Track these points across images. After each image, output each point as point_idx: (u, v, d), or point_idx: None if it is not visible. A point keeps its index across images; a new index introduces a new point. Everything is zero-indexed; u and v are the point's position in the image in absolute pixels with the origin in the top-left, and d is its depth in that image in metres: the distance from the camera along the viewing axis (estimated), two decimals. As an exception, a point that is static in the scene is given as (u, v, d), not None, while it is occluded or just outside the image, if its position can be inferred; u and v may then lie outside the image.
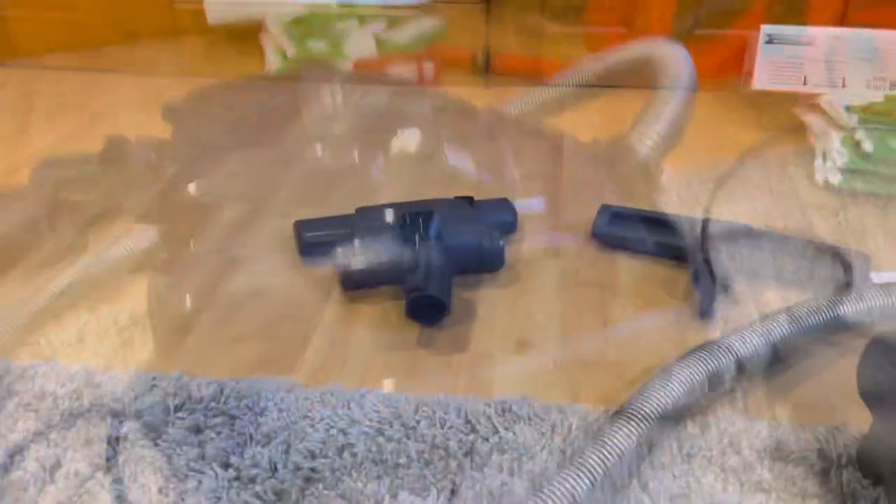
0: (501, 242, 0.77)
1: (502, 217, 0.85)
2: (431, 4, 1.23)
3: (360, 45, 1.06)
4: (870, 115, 0.93)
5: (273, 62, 1.07)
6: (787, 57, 1.07)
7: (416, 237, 0.75)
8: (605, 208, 0.85)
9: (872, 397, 0.47)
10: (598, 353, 0.68)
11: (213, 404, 0.58)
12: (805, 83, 1.07)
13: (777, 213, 0.90)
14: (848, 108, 0.96)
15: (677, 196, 0.94)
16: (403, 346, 0.69)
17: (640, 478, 0.52)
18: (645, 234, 0.82)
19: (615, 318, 0.73)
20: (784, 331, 0.62)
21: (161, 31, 1.28)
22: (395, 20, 1.12)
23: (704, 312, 0.72)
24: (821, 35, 1.05)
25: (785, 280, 0.77)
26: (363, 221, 0.78)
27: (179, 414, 0.57)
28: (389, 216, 0.78)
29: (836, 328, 0.66)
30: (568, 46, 1.25)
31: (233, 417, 0.57)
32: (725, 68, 1.24)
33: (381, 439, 0.54)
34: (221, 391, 0.59)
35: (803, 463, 0.53)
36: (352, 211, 0.84)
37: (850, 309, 0.64)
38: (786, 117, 1.14)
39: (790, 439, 0.55)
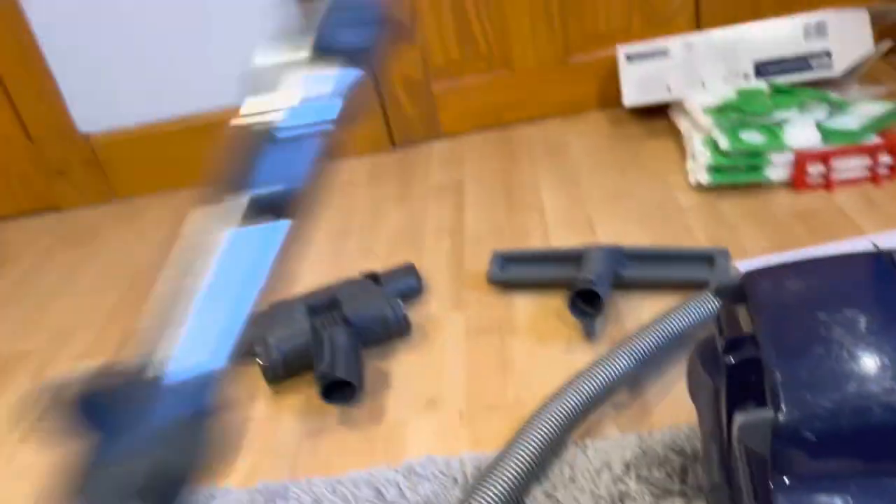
0: (403, 311, 0.85)
1: (407, 283, 0.92)
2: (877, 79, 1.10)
3: (802, 134, 0.93)
4: (722, 114, 1.01)
5: (702, 154, 0.96)
6: (648, 70, 1.16)
7: (323, 324, 0.83)
8: (497, 255, 0.93)
9: (693, 396, 0.54)
10: (498, 397, 0.75)
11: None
12: (669, 91, 1.15)
13: (658, 222, 0.97)
14: (704, 110, 1.05)
15: (565, 227, 1.02)
16: (326, 429, 0.76)
17: (526, 510, 0.59)
18: (535, 272, 0.89)
19: (514, 358, 0.80)
20: (649, 343, 0.69)
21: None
22: (839, 104, 0.98)
23: (590, 334, 0.79)
24: (674, 44, 1.14)
25: (662, 289, 0.84)
26: (275, 317, 0.85)
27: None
28: (300, 310, 0.85)
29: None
30: None
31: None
32: (607, 89, 1.33)
33: (300, 526, 0.61)
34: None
35: (666, 465, 0.60)
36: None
37: (702, 311, 0.72)
38: (667, 124, 1.23)
39: (657, 444, 0.62)
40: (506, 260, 0.92)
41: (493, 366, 0.79)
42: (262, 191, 0.46)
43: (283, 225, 0.46)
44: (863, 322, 0.38)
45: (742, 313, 0.46)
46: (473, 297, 0.91)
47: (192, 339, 0.42)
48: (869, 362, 0.36)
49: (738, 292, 0.46)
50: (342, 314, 0.84)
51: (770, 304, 0.42)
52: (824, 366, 0.37)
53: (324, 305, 0.86)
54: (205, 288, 0.43)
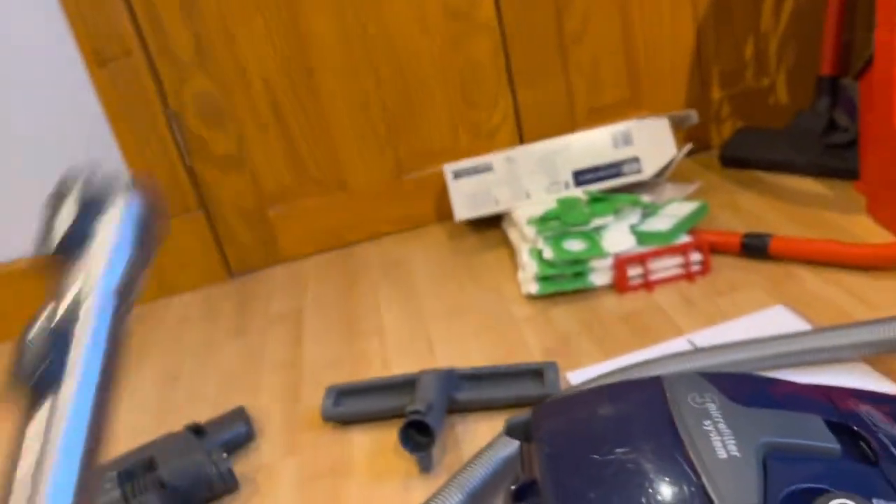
0: (229, 465, 0.78)
1: (235, 431, 0.86)
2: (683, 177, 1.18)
3: (618, 239, 0.99)
4: (544, 224, 1.04)
5: (529, 265, 1.00)
6: (475, 186, 1.19)
7: (135, 491, 0.74)
8: (331, 390, 0.88)
9: None
10: (331, 551, 0.69)
11: None
12: (497, 203, 1.18)
13: (495, 335, 0.97)
14: (528, 221, 1.08)
15: (405, 351, 0.99)
16: None
17: None
18: (370, 404, 0.85)
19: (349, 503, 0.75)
20: (478, 476, 0.67)
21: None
22: (650, 207, 1.06)
23: (424, 468, 0.75)
24: (496, 159, 1.18)
25: (497, 409, 0.82)
26: (82, 492, 0.76)
27: None
28: (110, 478, 0.77)
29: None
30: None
31: None
32: (443, 203, 1.35)
33: None
34: None
35: None
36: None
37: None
38: (502, 234, 1.25)
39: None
40: (340, 394, 0.88)
41: (327, 515, 0.74)
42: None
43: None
44: (633, 462, 0.37)
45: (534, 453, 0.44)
46: (308, 438, 0.86)
47: None
48: (642, 505, 0.35)
49: (528, 430, 0.45)
50: (158, 477, 0.76)
51: (551, 446, 0.40)
52: (600, 514, 0.35)
53: (138, 469, 0.78)
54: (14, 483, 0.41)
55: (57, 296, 0.47)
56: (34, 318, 0.46)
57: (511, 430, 0.45)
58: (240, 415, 0.88)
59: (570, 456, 0.39)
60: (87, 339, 0.45)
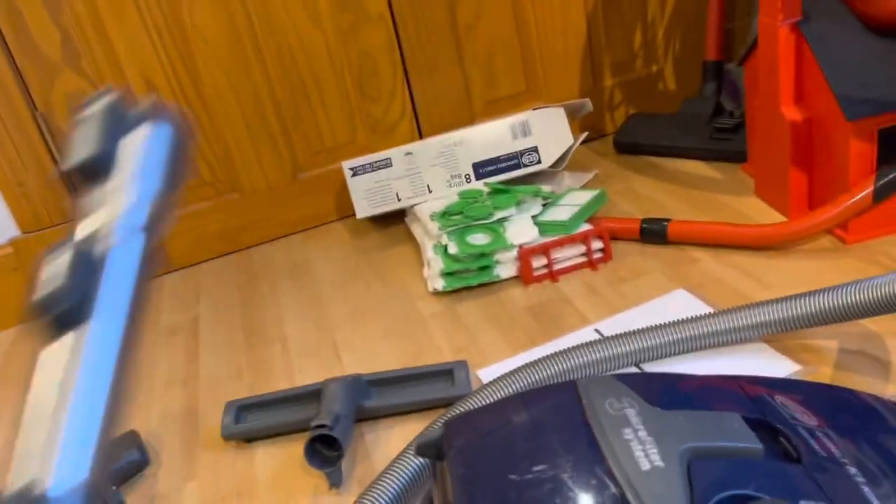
0: (120, 497, 0.72)
1: (127, 459, 0.80)
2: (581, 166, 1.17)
3: (521, 231, 0.98)
4: (446, 219, 1.02)
5: (434, 261, 0.99)
6: (375, 182, 1.15)
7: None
8: (230, 405, 0.83)
9: None
10: (238, 581, 0.65)
11: None
12: (399, 199, 1.15)
13: (404, 336, 0.94)
14: (431, 216, 1.05)
15: (309, 358, 0.95)
16: None
17: None
18: (273, 418, 0.81)
19: (256, 527, 0.70)
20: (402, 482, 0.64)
21: None
22: (550, 197, 1.07)
23: (334, 483, 0.72)
24: (395, 154, 1.15)
25: (409, 414, 0.80)
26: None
27: None
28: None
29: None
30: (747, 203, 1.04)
31: None
32: (344, 200, 1.31)
33: None
34: None
35: None
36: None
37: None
38: (406, 230, 1.23)
39: None
40: (241, 409, 0.83)
41: (232, 542, 0.69)
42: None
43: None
44: (553, 480, 0.35)
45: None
46: (209, 459, 0.81)
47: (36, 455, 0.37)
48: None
49: (440, 448, 0.42)
50: (39, 519, 0.69)
51: (464, 466, 0.38)
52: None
53: (16, 512, 0.71)
54: (29, 408, 0.38)
55: (81, 221, 0.43)
56: (57, 245, 0.42)
57: (422, 450, 0.42)
58: (131, 440, 0.82)
59: (486, 476, 0.37)
60: (116, 268, 0.41)
